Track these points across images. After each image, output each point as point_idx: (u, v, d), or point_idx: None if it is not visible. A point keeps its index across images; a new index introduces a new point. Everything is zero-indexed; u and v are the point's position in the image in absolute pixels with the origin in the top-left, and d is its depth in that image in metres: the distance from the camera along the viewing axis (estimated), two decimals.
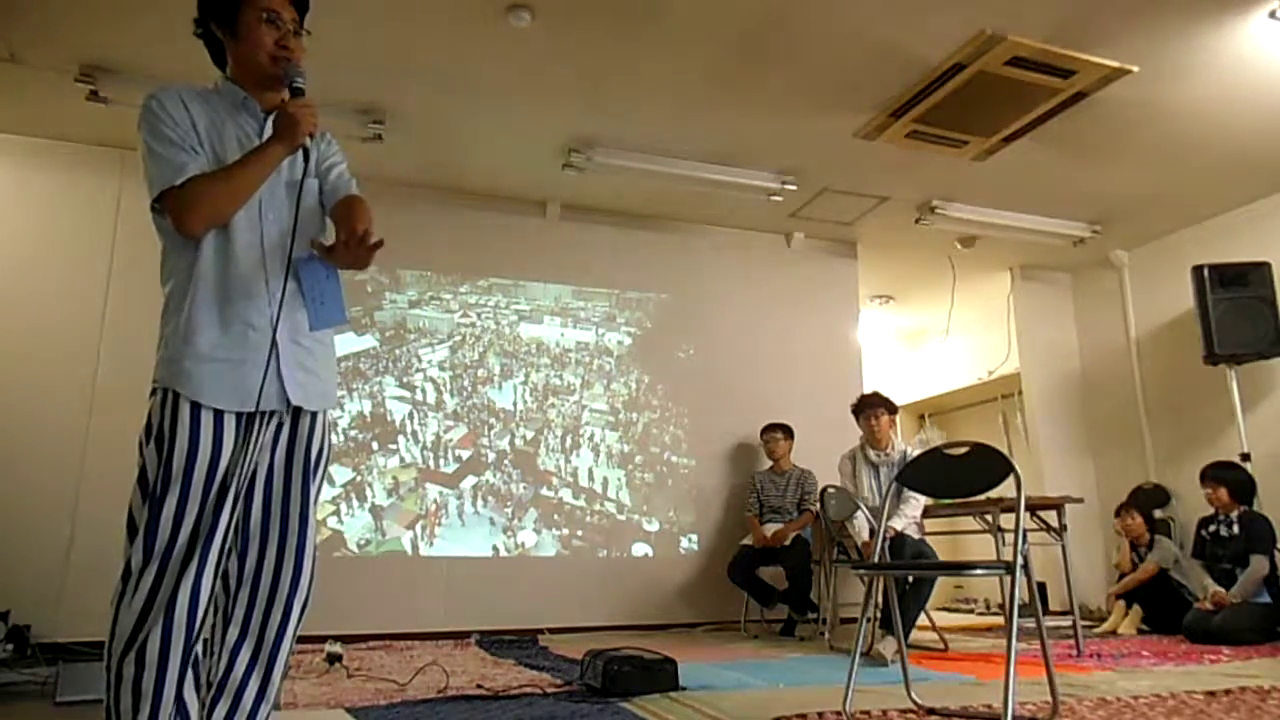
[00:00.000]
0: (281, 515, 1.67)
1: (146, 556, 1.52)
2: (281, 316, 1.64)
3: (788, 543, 4.99)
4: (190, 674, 1.55)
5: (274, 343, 1.62)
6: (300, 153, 1.68)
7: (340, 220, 1.74)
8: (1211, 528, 4.75)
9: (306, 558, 1.68)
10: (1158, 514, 5.53)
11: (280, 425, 1.68)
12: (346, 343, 5.10)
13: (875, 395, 4.55)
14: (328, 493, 4.81)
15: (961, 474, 2.67)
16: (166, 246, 1.67)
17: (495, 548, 5.13)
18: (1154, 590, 4.91)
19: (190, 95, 1.68)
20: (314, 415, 1.73)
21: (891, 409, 4.51)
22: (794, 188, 5.27)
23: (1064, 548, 4.12)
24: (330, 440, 1.79)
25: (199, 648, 1.58)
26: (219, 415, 1.58)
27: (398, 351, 5.23)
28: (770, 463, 5.44)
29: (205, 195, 1.58)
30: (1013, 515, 2.51)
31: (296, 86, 1.68)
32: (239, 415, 1.61)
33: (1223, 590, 4.41)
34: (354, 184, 1.86)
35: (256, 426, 1.63)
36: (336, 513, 4.86)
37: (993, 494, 2.90)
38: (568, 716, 2.48)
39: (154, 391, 1.61)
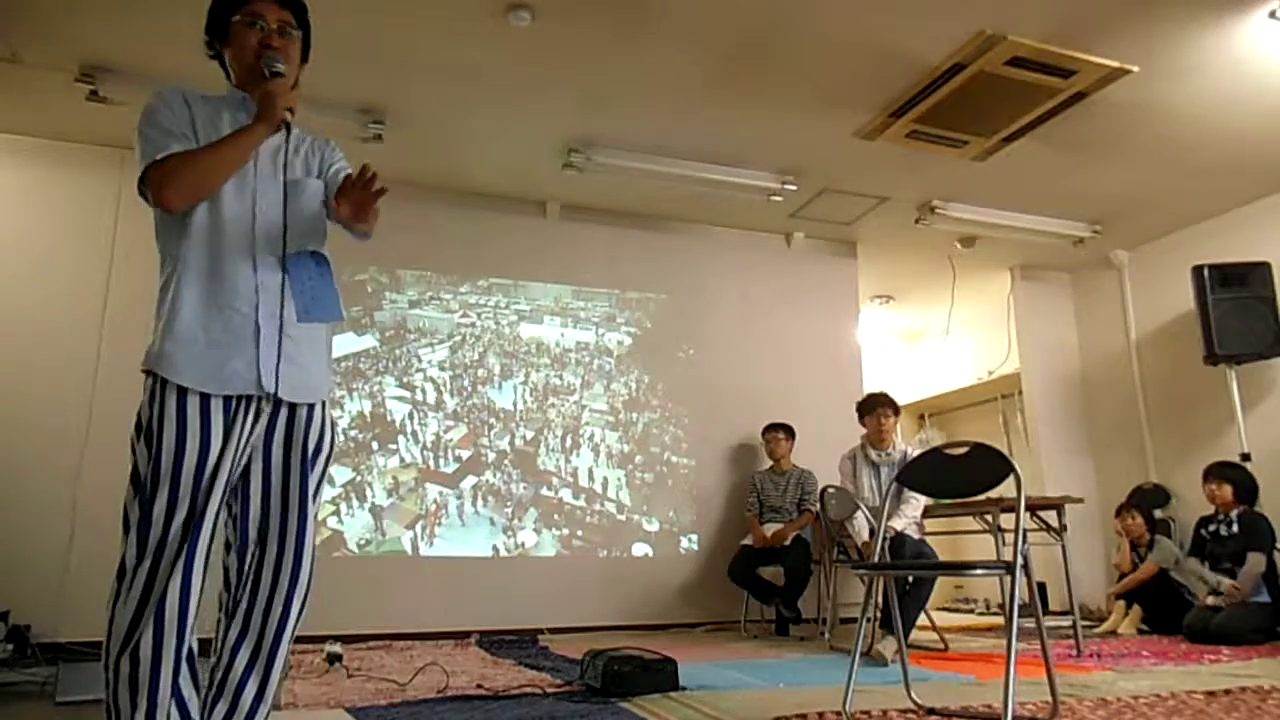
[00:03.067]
0: (281, 511, 1.67)
1: (140, 554, 1.53)
2: (268, 306, 1.66)
3: (788, 543, 4.99)
4: (187, 670, 1.55)
5: (258, 327, 1.64)
6: (286, 138, 1.74)
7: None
8: (1211, 527, 4.75)
9: (305, 554, 1.68)
10: (1158, 514, 5.53)
11: (273, 419, 1.68)
12: (346, 343, 5.10)
13: (883, 395, 4.54)
14: (328, 493, 4.81)
15: (961, 474, 2.67)
16: (159, 235, 1.70)
17: (495, 548, 5.13)
18: (1154, 590, 4.91)
19: (193, 95, 1.75)
20: (310, 409, 1.72)
21: (897, 410, 4.51)
22: (794, 188, 5.28)
23: (1064, 548, 4.12)
24: (332, 437, 1.78)
25: (195, 643, 1.58)
26: (205, 402, 1.59)
27: (398, 351, 5.23)
28: (770, 462, 5.44)
29: (183, 168, 1.62)
30: (1013, 515, 2.51)
31: (275, 71, 1.71)
32: (225, 403, 1.61)
33: (1235, 583, 4.39)
34: None
35: (241, 414, 1.63)
36: (336, 513, 4.86)
37: (993, 494, 2.90)
38: (568, 716, 2.48)
39: (146, 377, 1.64)
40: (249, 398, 1.63)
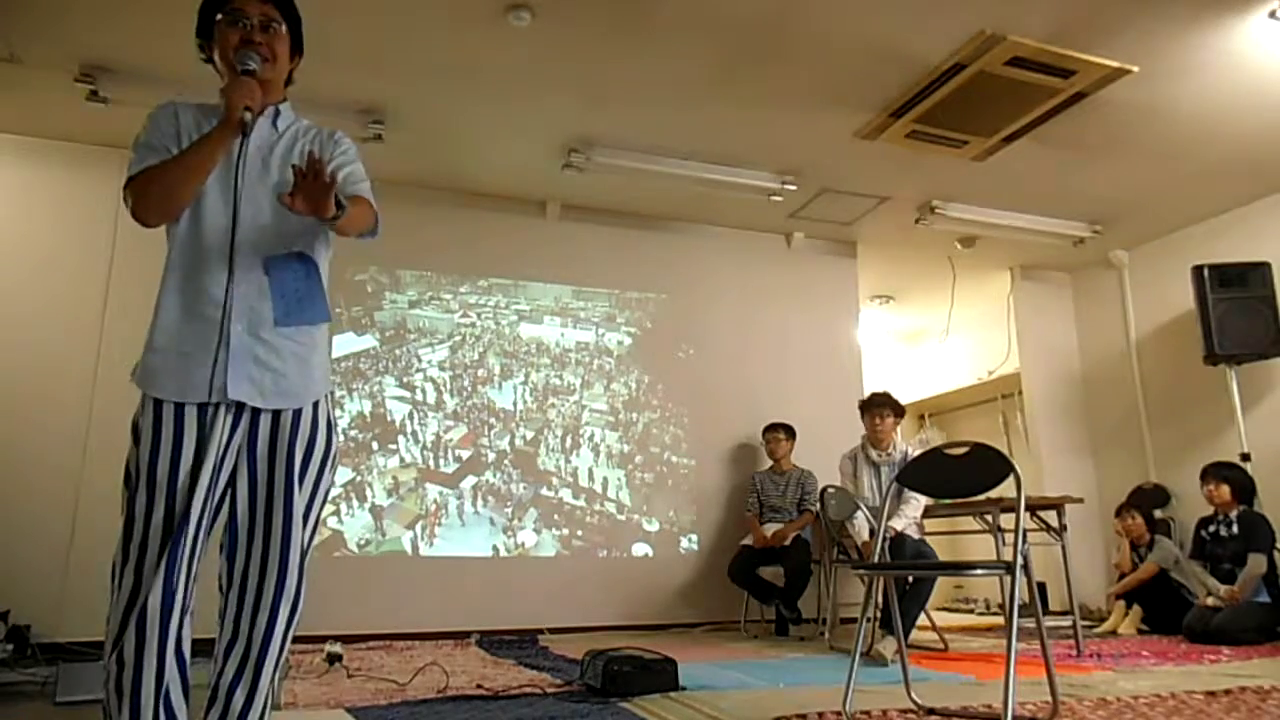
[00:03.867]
0: (265, 516, 1.65)
1: (125, 555, 1.54)
2: (243, 311, 1.64)
3: (788, 543, 4.99)
4: (177, 674, 1.53)
5: (226, 334, 1.62)
6: (277, 136, 1.75)
7: None
8: (1211, 528, 4.75)
9: (292, 560, 1.64)
10: (1158, 514, 5.53)
11: (255, 424, 1.66)
12: (346, 343, 5.10)
13: (885, 395, 4.53)
14: None
15: (961, 474, 2.67)
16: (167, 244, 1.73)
17: (495, 548, 5.13)
18: (1154, 590, 4.91)
19: (186, 108, 1.75)
20: (296, 414, 1.70)
21: (898, 411, 4.48)
22: (794, 188, 5.27)
23: (1064, 548, 4.12)
24: (329, 439, 1.75)
25: (187, 647, 1.57)
26: (179, 410, 1.61)
27: (398, 351, 5.23)
28: (770, 463, 5.44)
29: (150, 184, 1.63)
30: (1013, 515, 2.51)
31: (246, 69, 1.68)
32: (200, 410, 1.62)
33: (1234, 588, 4.40)
34: (365, 185, 1.82)
35: (219, 420, 1.62)
36: (336, 513, 4.86)
37: (993, 494, 2.90)
38: (568, 716, 2.48)
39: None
40: (224, 404, 1.63)
